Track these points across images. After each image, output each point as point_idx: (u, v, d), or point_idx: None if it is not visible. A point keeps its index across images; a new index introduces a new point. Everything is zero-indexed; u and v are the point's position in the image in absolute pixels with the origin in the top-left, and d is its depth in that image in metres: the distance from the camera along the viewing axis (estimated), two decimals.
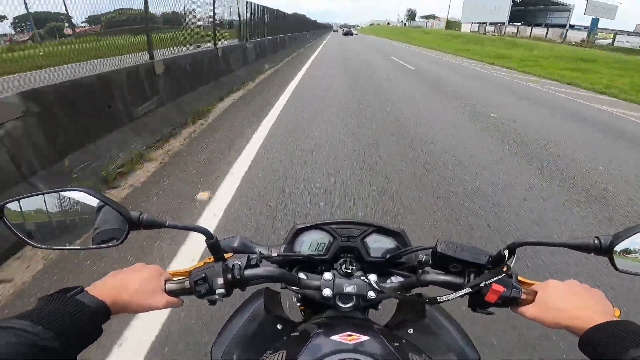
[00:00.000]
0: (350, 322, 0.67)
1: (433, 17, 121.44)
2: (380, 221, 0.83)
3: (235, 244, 0.77)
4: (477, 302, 0.63)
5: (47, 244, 0.60)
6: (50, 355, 0.43)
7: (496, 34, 46.75)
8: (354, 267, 0.75)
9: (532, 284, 0.63)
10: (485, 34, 48.62)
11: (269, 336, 0.72)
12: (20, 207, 0.57)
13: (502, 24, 52.80)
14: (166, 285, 0.62)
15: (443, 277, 0.65)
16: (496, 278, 0.59)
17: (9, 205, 0.56)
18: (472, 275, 0.63)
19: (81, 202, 0.57)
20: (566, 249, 0.59)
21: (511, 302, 0.61)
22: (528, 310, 0.59)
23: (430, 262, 0.69)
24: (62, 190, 0.57)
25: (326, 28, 71.76)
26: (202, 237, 0.62)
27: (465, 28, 59.71)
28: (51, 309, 0.47)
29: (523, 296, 0.61)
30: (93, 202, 0.57)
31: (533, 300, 0.60)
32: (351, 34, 60.77)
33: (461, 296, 0.62)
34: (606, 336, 0.48)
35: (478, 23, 57.07)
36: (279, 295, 0.86)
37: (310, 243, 0.81)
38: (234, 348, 0.70)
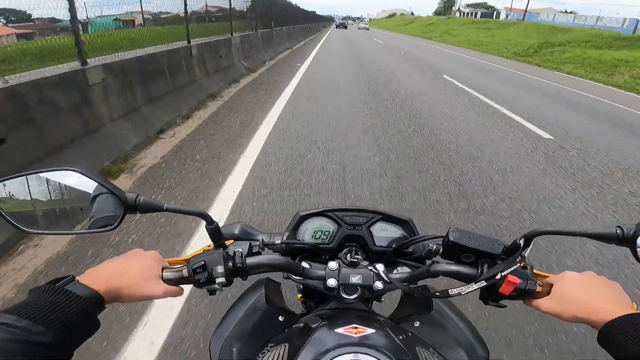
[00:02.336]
0: (355, 314, 0.65)
1: (486, 7, 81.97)
2: (387, 209, 0.80)
3: (236, 231, 0.74)
4: (490, 294, 0.60)
5: (38, 228, 0.57)
6: (43, 351, 0.41)
7: None
8: (359, 257, 0.72)
9: (547, 276, 0.61)
10: None
11: (270, 328, 0.70)
12: (10, 189, 0.54)
13: None
14: (163, 273, 0.59)
15: (454, 268, 0.62)
16: (512, 269, 0.57)
17: None
18: (485, 266, 0.60)
19: (75, 182, 0.54)
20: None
21: (526, 294, 0.58)
22: (543, 303, 0.57)
23: (441, 251, 0.66)
24: (52, 170, 0.54)
25: (327, 20, 62.24)
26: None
27: None
28: (39, 301, 0.44)
29: (538, 289, 0.58)
30: (87, 182, 0.53)
31: (548, 293, 0.57)
32: (345, 27, 51.76)
33: (475, 289, 0.59)
34: (627, 330, 0.46)
35: None
36: (279, 285, 0.84)
37: (314, 231, 0.78)
38: (233, 340, 0.68)
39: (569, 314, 0.54)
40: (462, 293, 0.58)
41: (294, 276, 0.69)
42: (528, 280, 0.58)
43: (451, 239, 0.61)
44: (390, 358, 0.50)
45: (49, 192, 0.55)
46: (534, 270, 0.61)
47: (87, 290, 0.49)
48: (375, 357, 0.49)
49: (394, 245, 0.77)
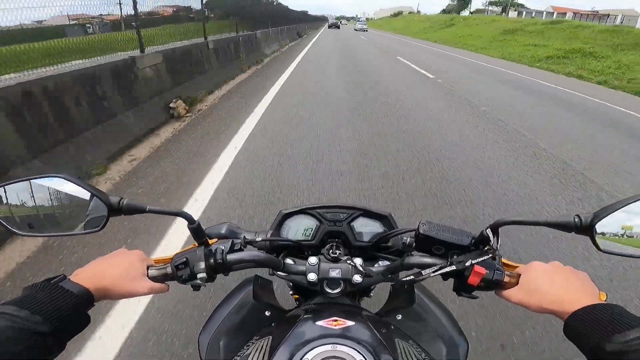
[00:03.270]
0: (338, 308, 0.67)
1: (512, 4, 59.93)
2: (367, 204, 0.83)
3: (223, 231, 0.77)
4: (461, 285, 0.63)
5: (28, 231, 0.59)
6: (41, 339, 0.43)
7: None
8: (340, 252, 0.75)
9: (516, 266, 0.63)
10: None
11: (256, 323, 0.72)
12: (2, 195, 0.57)
13: None
14: (149, 271, 0.62)
15: (426, 260, 0.65)
16: (479, 259, 0.59)
17: None
18: (454, 257, 0.62)
19: (63, 187, 0.57)
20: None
21: (495, 285, 0.60)
22: (513, 294, 0.58)
23: (414, 244, 0.69)
24: (40, 177, 0.57)
25: (320, 21, 58.13)
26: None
27: None
28: (36, 295, 0.47)
29: (506, 279, 0.60)
30: (74, 188, 0.56)
31: (517, 283, 0.58)
32: (338, 27, 49.22)
33: (441, 275, 0.61)
34: (590, 320, 0.47)
35: None
36: (270, 283, 0.86)
37: (297, 228, 0.80)
38: (221, 335, 0.70)
39: (536, 305, 0.54)
40: (431, 275, 0.61)
41: (278, 272, 0.72)
42: (495, 270, 0.59)
43: (421, 231, 0.63)
44: (367, 349, 0.52)
45: (40, 198, 0.58)
46: (503, 260, 0.63)
47: (78, 287, 0.51)
48: (352, 347, 0.51)
49: (373, 240, 0.80)
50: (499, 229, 0.60)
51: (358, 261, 0.69)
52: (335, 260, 0.73)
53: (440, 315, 0.73)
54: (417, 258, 0.66)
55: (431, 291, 0.79)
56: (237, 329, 0.71)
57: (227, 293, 0.79)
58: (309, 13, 41.46)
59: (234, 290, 0.80)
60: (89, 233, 0.58)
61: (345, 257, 0.73)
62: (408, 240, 0.71)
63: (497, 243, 0.60)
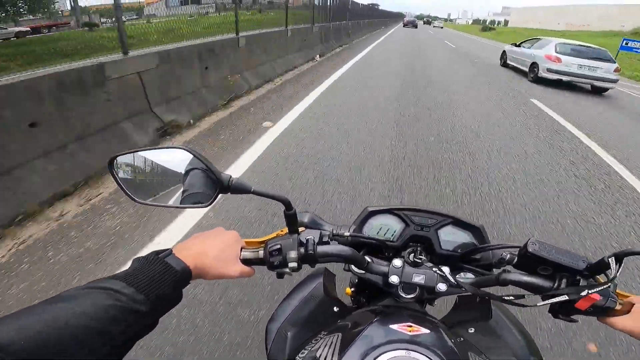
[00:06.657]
0: (410, 314, 0.65)
1: None
2: (458, 213, 0.79)
3: (306, 220, 0.77)
4: (563, 308, 0.59)
5: (142, 198, 0.63)
6: (138, 318, 0.44)
7: None
8: (423, 257, 0.72)
9: (628, 296, 0.59)
10: None
11: (324, 317, 0.72)
12: (128, 161, 0.62)
13: None
14: (242, 253, 0.62)
15: (528, 279, 0.60)
16: (600, 288, 0.55)
17: (118, 158, 0.61)
18: (564, 280, 0.58)
19: (181, 160, 0.60)
20: None
21: (603, 311, 0.57)
22: (620, 321, 0.56)
23: (515, 261, 0.65)
24: (166, 148, 0.61)
25: (394, 17, 50.39)
26: None
27: None
28: (143, 271, 0.48)
29: (618, 307, 0.57)
30: (192, 161, 0.59)
31: (627, 312, 0.56)
32: (415, 26, 45.10)
33: (559, 303, 0.58)
34: None
35: None
36: (334, 277, 0.86)
37: (380, 227, 0.79)
38: (289, 325, 0.71)
39: None
40: (539, 304, 0.57)
41: (355, 269, 0.71)
42: (609, 298, 0.56)
43: (530, 250, 0.59)
44: (441, 358, 0.50)
45: (156, 166, 0.62)
46: (617, 291, 0.59)
47: (182, 264, 0.51)
48: (426, 356, 0.50)
49: (459, 251, 0.76)
50: (624, 259, 0.55)
51: (446, 270, 0.66)
52: (417, 265, 0.70)
53: (517, 334, 0.69)
54: (516, 275, 0.62)
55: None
56: (305, 322, 0.72)
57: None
58: (379, 8, 34.60)
59: (304, 280, 0.80)
60: (197, 208, 0.61)
61: (429, 264, 0.71)
62: (508, 256, 0.67)
63: (619, 272, 0.56)
